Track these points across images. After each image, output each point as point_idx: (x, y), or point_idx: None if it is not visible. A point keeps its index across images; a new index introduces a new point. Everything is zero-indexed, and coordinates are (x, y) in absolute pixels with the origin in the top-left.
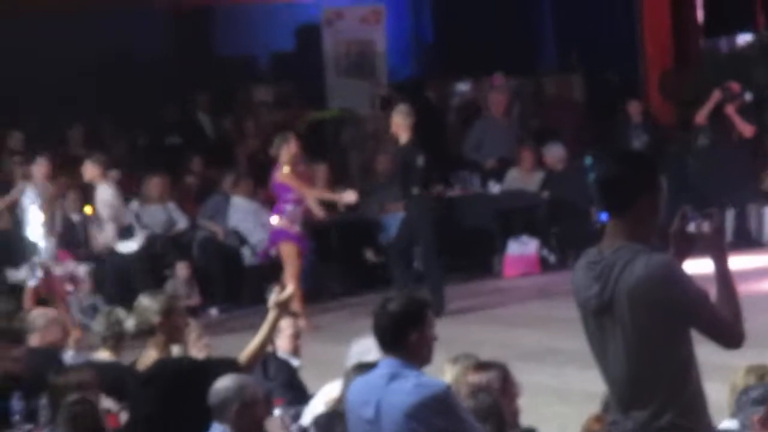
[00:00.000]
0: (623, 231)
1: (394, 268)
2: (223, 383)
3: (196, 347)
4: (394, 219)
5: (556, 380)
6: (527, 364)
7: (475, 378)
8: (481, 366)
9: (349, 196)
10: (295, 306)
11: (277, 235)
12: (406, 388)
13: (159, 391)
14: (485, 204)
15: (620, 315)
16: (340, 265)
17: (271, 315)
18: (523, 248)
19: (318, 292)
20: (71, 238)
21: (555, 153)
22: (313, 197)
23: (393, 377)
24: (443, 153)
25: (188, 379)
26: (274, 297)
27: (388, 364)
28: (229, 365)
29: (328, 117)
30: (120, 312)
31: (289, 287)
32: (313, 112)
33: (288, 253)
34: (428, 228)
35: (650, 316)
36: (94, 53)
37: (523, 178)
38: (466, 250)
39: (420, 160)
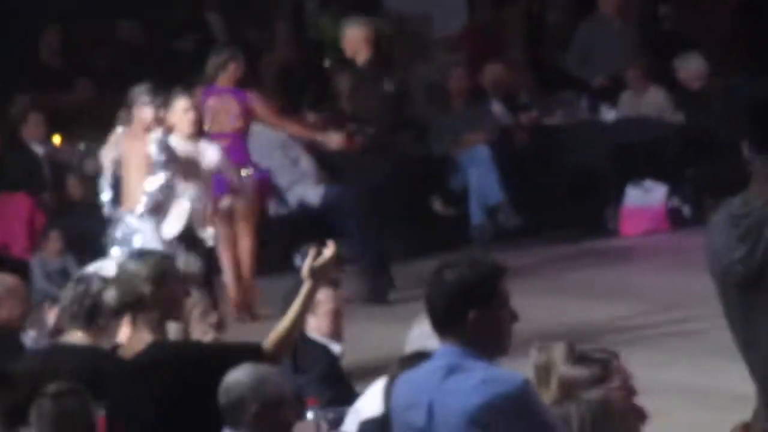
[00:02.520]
0: None
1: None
2: (238, 377)
3: (201, 327)
4: (471, 156)
5: (692, 377)
6: (651, 355)
7: (573, 372)
8: (583, 357)
9: (333, 139)
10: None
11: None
12: (469, 386)
13: (153, 386)
14: (596, 136)
15: None
16: (399, 219)
17: (306, 287)
18: (646, 197)
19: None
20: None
21: (691, 67)
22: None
23: (451, 371)
24: (539, 66)
25: (194, 371)
26: (308, 262)
27: (446, 354)
28: (249, 352)
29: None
30: (97, 279)
31: (330, 247)
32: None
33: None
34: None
35: None
36: None
37: (636, 102)
38: (568, 198)
39: (388, 86)
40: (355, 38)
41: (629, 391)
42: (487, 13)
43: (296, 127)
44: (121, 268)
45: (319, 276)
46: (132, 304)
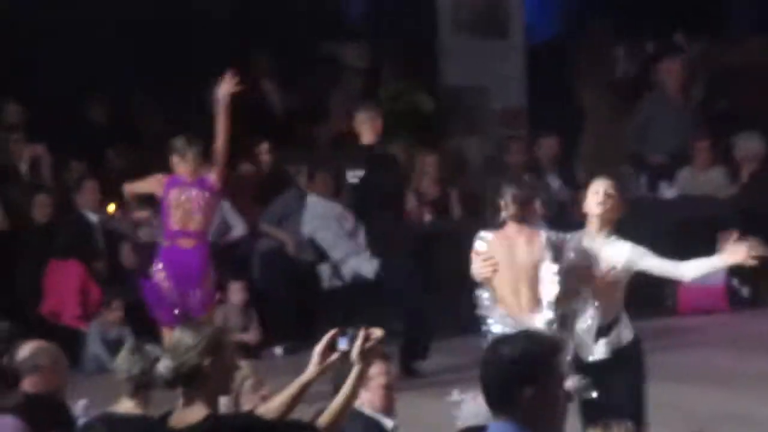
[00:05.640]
0: None
1: None
2: None
3: (251, 401)
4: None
5: None
6: None
7: None
8: None
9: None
10: None
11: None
12: None
13: None
14: (654, 214)
15: None
16: (451, 292)
17: (356, 370)
18: (705, 277)
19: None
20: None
21: (749, 147)
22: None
23: None
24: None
25: None
26: (359, 345)
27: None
28: (305, 430)
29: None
30: (153, 349)
31: (378, 330)
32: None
33: None
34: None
35: None
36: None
37: (697, 180)
38: None
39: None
40: (363, 118)
41: None
42: None
43: None
44: (177, 338)
45: (370, 358)
46: (188, 376)
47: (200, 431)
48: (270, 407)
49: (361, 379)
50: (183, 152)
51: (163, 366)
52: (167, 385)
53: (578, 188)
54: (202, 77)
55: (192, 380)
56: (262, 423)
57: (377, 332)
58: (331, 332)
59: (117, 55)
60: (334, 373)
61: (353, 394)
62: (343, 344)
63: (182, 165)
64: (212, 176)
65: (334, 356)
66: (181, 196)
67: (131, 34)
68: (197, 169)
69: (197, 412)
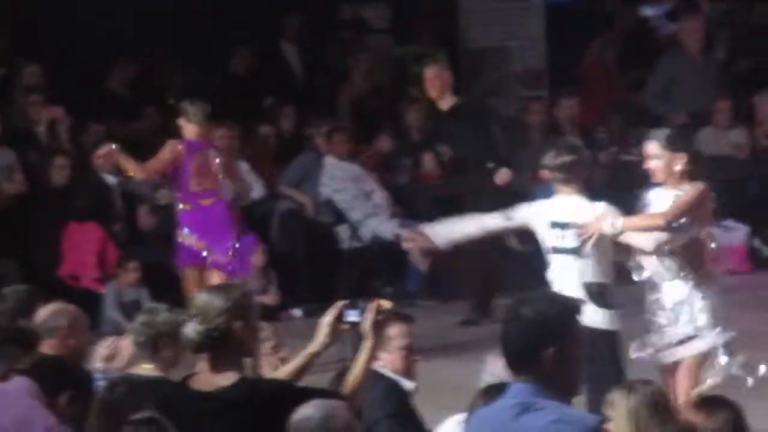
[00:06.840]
0: None
1: None
2: (307, 413)
3: (270, 362)
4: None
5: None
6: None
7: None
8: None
9: None
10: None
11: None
12: (541, 425)
13: (239, 423)
14: None
15: None
16: (472, 255)
17: (367, 344)
18: (727, 237)
19: (439, 294)
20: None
21: None
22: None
23: (524, 409)
24: (618, 101)
25: (279, 411)
26: (371, 317)
27: (518, 391)
28: (331, 396)
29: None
30: (170, 311)
31: (387, 302)
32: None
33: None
34: None
35: None
36: None
37: (718, 140)
38: None
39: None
40: (435, 76)
41: None
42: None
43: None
44: (205, 302)
45: (381, 330)
46: (218, 339)
47: (235, 394)
48: (277, 376)
49: (374, 352)
50: (189, 114)
51: (192, 329)
52: (195, 349)
53: (598, 149)
54: (224, 41)
55: (222, 343)
56: (294, 389)
57: (387, 305)
58: (339, 304)
59: (139, 18)
60: (352, 337)
61: (367, 367)
62: (352, 316)
63: (189, 127)
64: (218, 137)
65: (343, 328)
66: (199, 159)
67: None
68: (205, 130)
69: (227, 376)
